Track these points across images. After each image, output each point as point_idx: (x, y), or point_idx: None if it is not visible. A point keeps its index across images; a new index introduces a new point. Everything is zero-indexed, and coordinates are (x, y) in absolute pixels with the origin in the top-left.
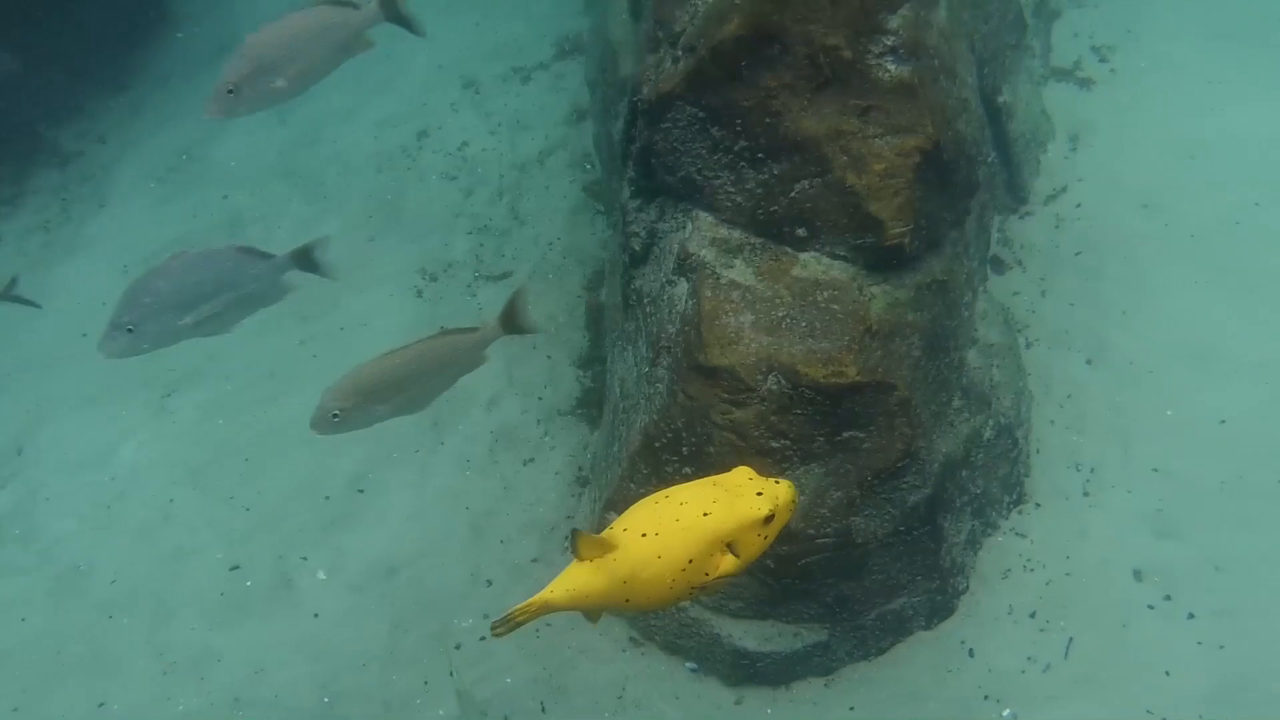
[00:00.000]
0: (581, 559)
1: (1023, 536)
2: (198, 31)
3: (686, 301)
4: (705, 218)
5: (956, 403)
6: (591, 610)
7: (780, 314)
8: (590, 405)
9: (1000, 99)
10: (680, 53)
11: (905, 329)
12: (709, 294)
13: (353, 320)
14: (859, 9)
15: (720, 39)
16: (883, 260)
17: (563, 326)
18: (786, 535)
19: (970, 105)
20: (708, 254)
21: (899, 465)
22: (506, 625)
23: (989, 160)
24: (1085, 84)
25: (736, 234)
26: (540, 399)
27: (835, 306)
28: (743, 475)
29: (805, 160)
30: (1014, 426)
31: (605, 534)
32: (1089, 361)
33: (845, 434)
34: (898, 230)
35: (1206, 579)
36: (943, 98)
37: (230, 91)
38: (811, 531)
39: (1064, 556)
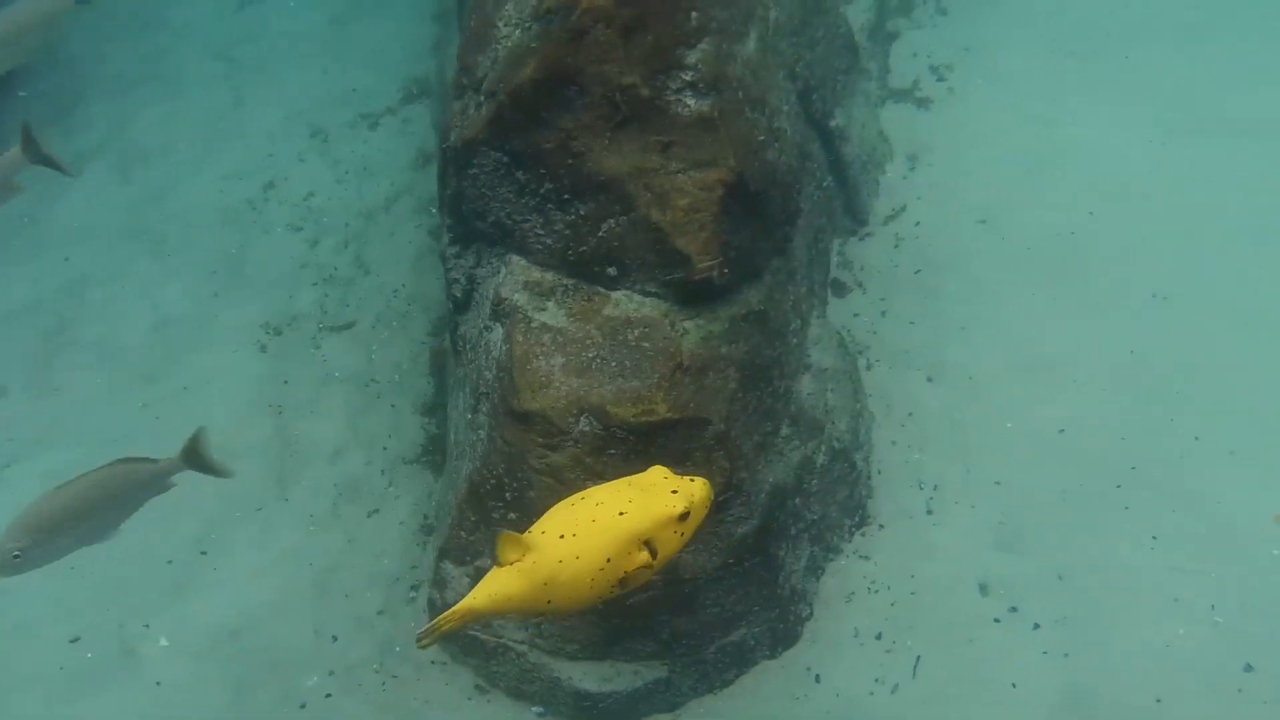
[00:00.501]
0: (502, 563)
1: (866, 559)
2: (42, 88)
3: (501, 346)
4: (518, 261)
5: (785, 431)
6: (514, 614)
7: (591, 355)
8: (435, 452)
9: (833, 123)
10: (483, 98)
11: (720, 362)
12: (520, 338)
13: (196, 379)
14: (654, 46)
15: (518, 83)
16: (694, 294)
17: (407, 373)
18: None
19: (785, 134)
20: (520, 298)
21: (721, 499)
22: (431, 636)
23: (824, 184)
24: (923, 103)
25: (549, 276)
26: (385, 449)
27: (646, 344)
28: (658, 474)
29: (610, 199)
30: (851, 450)
31: (525, 536)
32: (929, 379)
33: None
34: (705, 264)
35: (1050, 589)
36: (748, 129)
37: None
38: None
39: (909, 576)
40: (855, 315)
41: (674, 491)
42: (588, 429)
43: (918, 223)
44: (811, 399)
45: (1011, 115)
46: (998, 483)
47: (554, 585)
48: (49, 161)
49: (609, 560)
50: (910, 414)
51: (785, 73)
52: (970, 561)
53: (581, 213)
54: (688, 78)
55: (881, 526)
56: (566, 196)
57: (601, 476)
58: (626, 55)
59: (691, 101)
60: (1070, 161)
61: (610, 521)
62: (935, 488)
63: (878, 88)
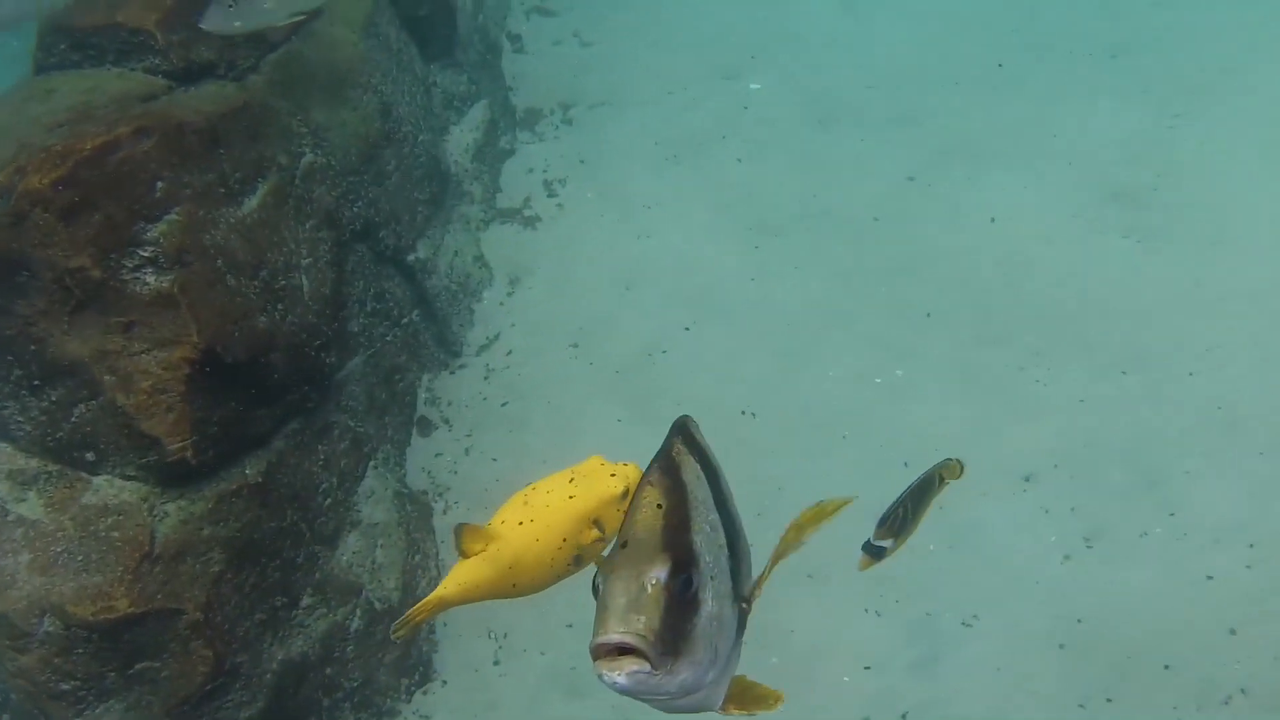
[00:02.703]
0: (466, 555)
1: (426, 718)
2: None
3: None
4: (4, 448)
5: (307, 601)
6: (481, 598)
7: (59, 549)
8: None
9: (413, 257)
10: None
11: (200, 545)
12: None
13: None
14: (106, 225)
15: None
16: (173, 476)
17: None
18: None
19: (297, 292)
20: (3, 488)
21: (208, 687)
22: (407, 626)
23: (403, 321)
24: (531, 222)
25: (34, 463)
26: None
27: (115, 534)
28: (595, 463)
29: (78, 384)
30: (402, 607)
31: (487, 527)
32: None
33: (138, 666)
34: (177, 445)
35: None
36: (226, 299)
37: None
38: None
39: None
40: (438, 455)
41: (612, 475)
42: (51, 629)
43: (510, 351)
44: (355, 558)
45: (615, 229)
46: (569, 625)
47: (518, 568)
48: None
49: (565, 540)
50: None
51: (318, 221)
52: (536, 712)
53: (54, 398)
54: (147, 254)
55: (445, 682)
56: (37, 382)
57: (73, 677)
58: (71, 237)
59: (151, 279)
60: (666, 274)
61: (562, 505)
62: (505, 636)
63: (482, 210)
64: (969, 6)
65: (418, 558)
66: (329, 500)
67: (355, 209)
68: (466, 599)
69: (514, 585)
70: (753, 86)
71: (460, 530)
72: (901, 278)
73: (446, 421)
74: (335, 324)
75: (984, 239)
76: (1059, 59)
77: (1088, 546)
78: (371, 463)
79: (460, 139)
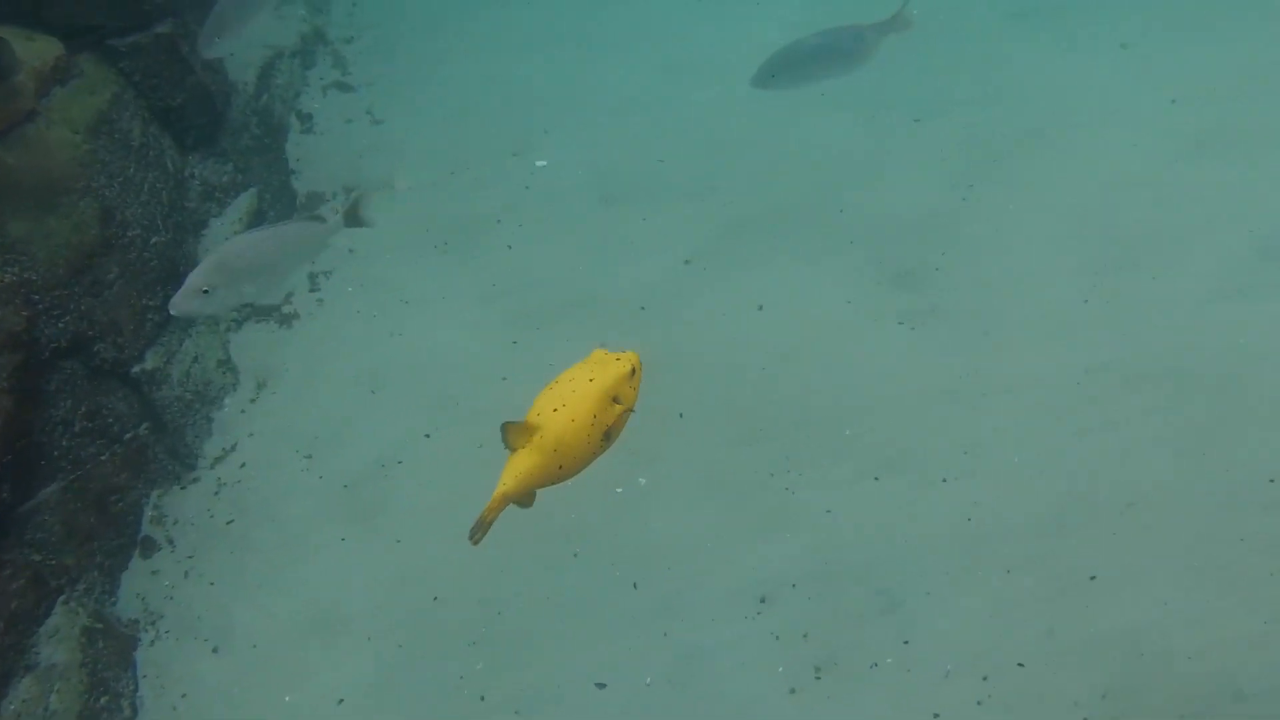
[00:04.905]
0: (515, 448)
1: None
2: None
3: None
4: None
5: None
6: (536, 485)
7: None
8: None
9: (138, 369)
10: None
11: None
12: None
13: None
14: None
15: None
16: None
17: None
18: None
19: None
20: None
21: None
22: (482, 529)
23: (126, 438)
24: (288, 320)
25: None
26: None
27: None
28: (601, 354)
29: None
30: None
31: (527, 420)
32: (215, 650)
33: None
34: None
35: None
36: None
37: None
38: None
39: None
40: (156, 577)
41: (618, 359)
42: None
43: (243, 464)
44: (25, 707)
45: (368, 326)
46: None
47: (562, 450)
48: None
49: (595, 417)
50: (184, 695)
51: None
52: None
53: None
54: None
55: None
56: None
57: None
58: None
59: None
60: (415, 375)
61: (586, 388)
62: None
63: (235, 310)
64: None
65: (104, 699)
66: (8, 641)
67: (61, 324)
68: (525, 487)
69: (560, 467)
70: (539, 163)
71: (506, 427)
72: (659, 373)
73: (170, 541)
74: (9, 455)
75: (750, 329)
76: (862, 124)
77: (817, 678)
78: (64, 597)
79: (220, 232)
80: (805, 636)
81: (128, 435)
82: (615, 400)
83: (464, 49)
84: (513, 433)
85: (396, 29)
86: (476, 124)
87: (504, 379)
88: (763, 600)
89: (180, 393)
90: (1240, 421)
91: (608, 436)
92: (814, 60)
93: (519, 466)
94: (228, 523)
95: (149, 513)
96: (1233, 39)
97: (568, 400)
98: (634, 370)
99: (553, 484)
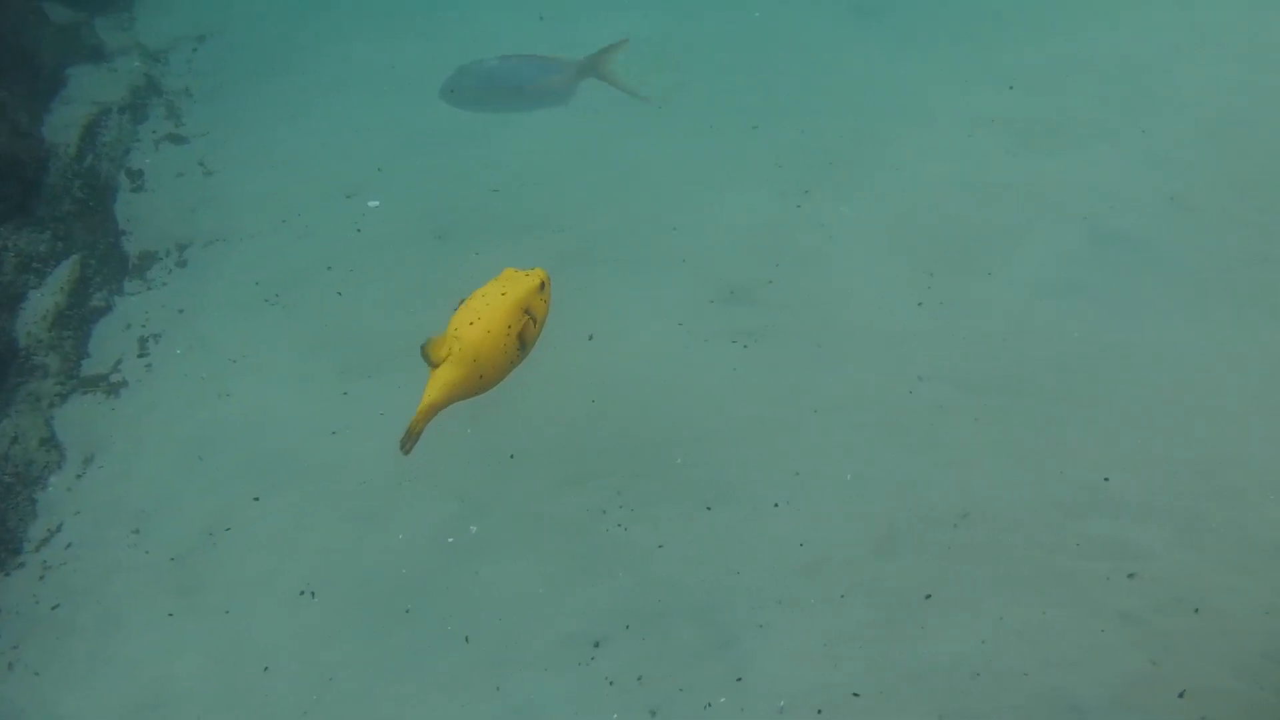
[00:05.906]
0: (436, 362)
1: None
2: None
3: None
4: None
5: None
6: (459, 396)
7: None
8: None
9: None
10: None
11: None
12: None
13: None
14: None
15: None
16: None
17: None
18: None
19: None
20: None
21: None
22: (411, 439)
23: None
24: (115, 389)
25: None
26: None
27: None
28: (510, 271)
29: None
30: None
31: (445, 334)
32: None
33: None
34: None
35: None
36: None
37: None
38: None
39: None
40: None
41: (527, 275)
42: None
43: (69, 544)
44: None
45: (197, 389)
46: None
47: (480, 360)
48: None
49: (509, 327)
50: None
51: None
52: None
53: None
54: None
55: None
56: None
57: None
58: None
59: None
60: (243, 437)
61: (499, 302)
62: None
63: (58, 384)
64: (611, 93)
65: None
66: None
67: None
68: (450, 398)
69: (481, 377)
70: (371, 204)
71: (426, 344)
72: (489, 416)
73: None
74: None
75: (580, 360)
76: (699, 134)
77: None
78: None
79: (38, 305)
80: (640, 679)
81: None
82: (526, 312)
83: (303, 91)
84: (432, 346)
85: (235, 75)
86: (306, 168)
87: (334, 432)
88: (596, 645)
89: (0, 476)
90: (1072, 420)
91: (523, 346)
92: (490, 84)
93: (443, 378)
94: (53, 608)
95: None
96: (1068, 32)
97: (482, 314)
98: (543, 284)
99: (476, 394)
